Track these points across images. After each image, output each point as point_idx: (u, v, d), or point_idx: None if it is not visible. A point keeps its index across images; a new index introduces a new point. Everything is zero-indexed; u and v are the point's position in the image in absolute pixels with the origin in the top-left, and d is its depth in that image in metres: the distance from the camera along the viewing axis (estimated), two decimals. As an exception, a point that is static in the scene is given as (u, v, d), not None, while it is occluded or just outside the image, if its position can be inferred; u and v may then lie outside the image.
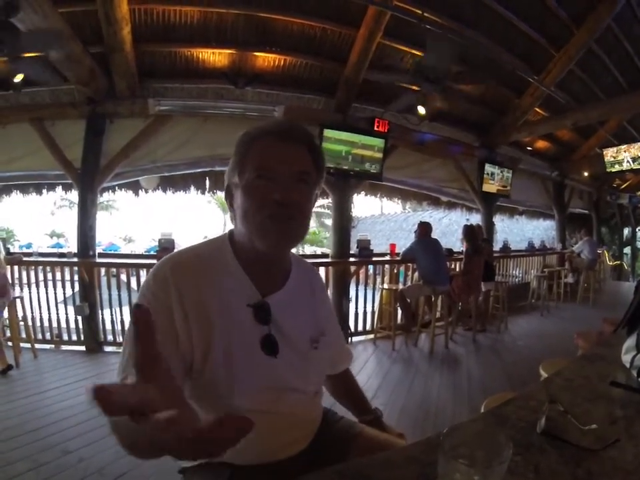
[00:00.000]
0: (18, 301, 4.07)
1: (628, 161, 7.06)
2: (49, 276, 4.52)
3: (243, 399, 0.81)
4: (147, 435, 0.40)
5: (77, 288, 4.50)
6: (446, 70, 3.89)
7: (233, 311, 0.81)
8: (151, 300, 0.77)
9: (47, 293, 4.47)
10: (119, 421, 0.45)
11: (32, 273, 4.50)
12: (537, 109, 6.39)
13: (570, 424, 0.78)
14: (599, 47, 5.50)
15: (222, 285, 0.82)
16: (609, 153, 7.29)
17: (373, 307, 5.25)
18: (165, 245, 4.49)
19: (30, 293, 4.48)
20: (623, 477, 0.64)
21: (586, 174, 8.61)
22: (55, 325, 4.47)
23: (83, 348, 4.33)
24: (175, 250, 1.01)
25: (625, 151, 7.06)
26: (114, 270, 4.75)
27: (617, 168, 7.27)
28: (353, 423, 1.07)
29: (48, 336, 4.46)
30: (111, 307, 4.45)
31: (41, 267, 4.56)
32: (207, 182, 5.48)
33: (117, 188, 5.27)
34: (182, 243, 6.38)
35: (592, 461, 0.68)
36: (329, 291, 4.95)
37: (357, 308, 5.13)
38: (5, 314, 3.82)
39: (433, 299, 4.81)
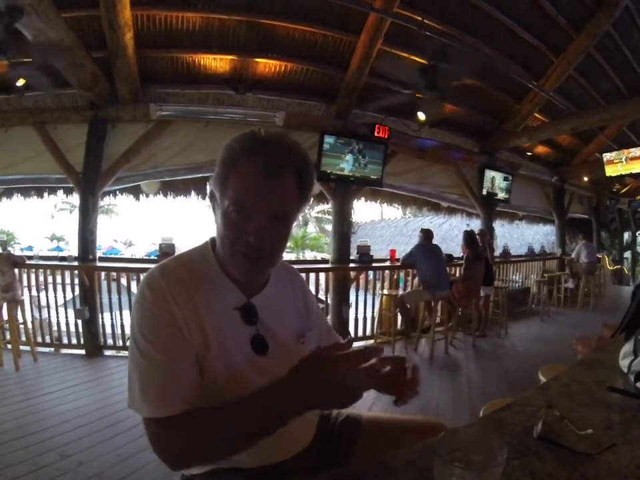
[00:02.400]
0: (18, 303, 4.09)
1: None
2: (50, 279, 4.53)
3: None
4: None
5: (77, 291, 4.50)
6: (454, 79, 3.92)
7: (222, 315, 0.84)
8: (153, 309, 0.78)
9: (47, 296, 4.48)
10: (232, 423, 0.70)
11: (32, 276, 4.51)
12: (537, 115, 6.43)
13: (566, 429, 0.79)
14: (598, 53, 5.54)
15: (209, 291, 0.84)
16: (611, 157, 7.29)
17: (373, 312, 5.25)
18: (166, 250, 4.50)
19: (30, 295, 4.48)
20: (618, 481, 0.65)
21: (586, 179, 8.62)
22: (55, 328, 4.48)
23: (82, 352, 4.33)
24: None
25: (624, 155, 7.06)
26: (114, 274, 4.76)
27: (616, 172, 7.27)
28: (351, 412, 1.10)
29: (48, 339, 4.46)
30: (111, 311, 4.45)
31: (41, 270, 4.57)
32: (208, 187, 5.47)
33: (117, 192, 5.28)
34: (182, 247, 6.40)
35: (587, 465, 0.68)
36: (328, 296, 4.96)
37: (356, 313, 5.13)
38: (5, 316, 3.85)
39: (432, 304, 4.81)
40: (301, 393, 0.66)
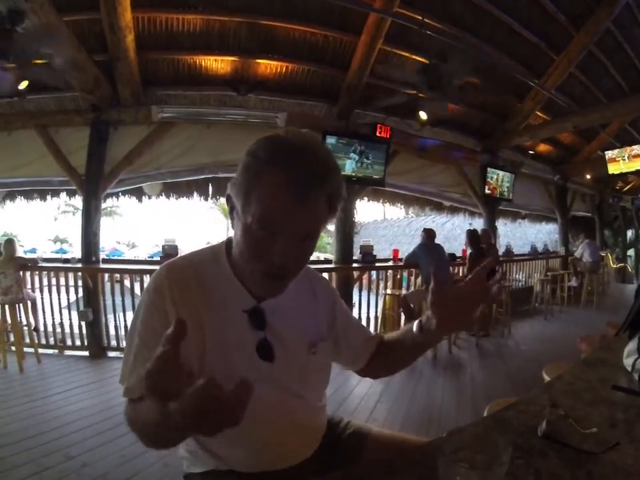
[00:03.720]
0: (21, 305, 4.11)
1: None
2: (53, 281, 4.55)
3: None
4: (175, 420, 0.50)
5: (80, 293, 4.51)
6: (457, 79, 3.92)
7: (227, 317, 0.82)
8: (150, 306, 0.80)
9: (50, 298, 4.49)
10: (145, 421, 0.61)
11: (36, 278, 4.53)
12: (539, 113, 6.41)
13: (571, 427, 0.78)
14: (599, 50, 5.52)
15: (216, 292, 0.83)
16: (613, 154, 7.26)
17: (377, 312, 5.25)
18: (169, 251, 4.52)
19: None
20: (623, 480, 0.65)
21: (588, 177, 8.59)
22: (58, 330, 4.49)
23: (86, 353, 4.34)
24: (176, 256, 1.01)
25: (626, 153, 7.03)
26: (117, 275, 4.78)
27: (619, 170, 7.24)
28: (361, 424, 1.08)
29: (52, 341, 4.47)
30: (114, 313, 4.46)
31: (45, 272, 4.60)
32: (210, 188, 5.51)
33: (120, 194, 5.30)
34: (185, 249, 6.39)
35: (592, 464, 0.68)
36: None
37: (360, 313, 5.12)
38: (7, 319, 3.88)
39: (435, 304, 4.79)
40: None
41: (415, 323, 0.89)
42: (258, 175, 0.72)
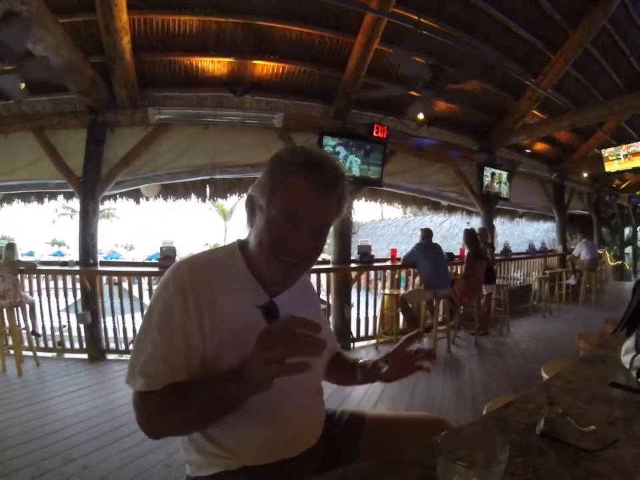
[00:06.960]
0: (19, 309, 4.10)
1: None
2: (51, 284, 4.53)
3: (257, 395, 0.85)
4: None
5: (79, 296, 4.51)
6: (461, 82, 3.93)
7: (243, 312, 0.87)
8: (171, 303, 0.83)
9: (49, 301, 4.48)
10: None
11: (34, 281, 4.52)
12: (535, 112, 6.42)
13: (569, 425, 0.79)
14: (595, 49, 5.54)
15: (233, 289, 0.88)
16: (608, 153, 7.28)
17: (375, 312, 5.26)
18: (167, 253, 4.50)
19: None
20: (622, 477, 0.65)
21: (585, 175, 8.61)
22: (57, 333, 4.48)
23: (85, 356, 4.34)
24: (184, 255, 1.06)
25: (623, 151, 7.05)
26: (116, 278, 4.76)
27: (615, 168, 7.26)
28: (354, 410, 1.14)
29: (50, 344, 4.47)
30: (113, 315, 4.45)
31: (42, 275, 4.58)
32: (208, 190, 5.50)
33: (118, 196, 5.29)
34: (183, 250, 6.39)
35: (590, 461, 0.69)
36: (330, 297, 4.97)
37: (358, 313, 5.13)
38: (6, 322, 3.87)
39: (434, 303, 4.81)
40: (237, 374, 0.74)
41: (359, 371, 1.11)
42: (284, 175, 0.84)
